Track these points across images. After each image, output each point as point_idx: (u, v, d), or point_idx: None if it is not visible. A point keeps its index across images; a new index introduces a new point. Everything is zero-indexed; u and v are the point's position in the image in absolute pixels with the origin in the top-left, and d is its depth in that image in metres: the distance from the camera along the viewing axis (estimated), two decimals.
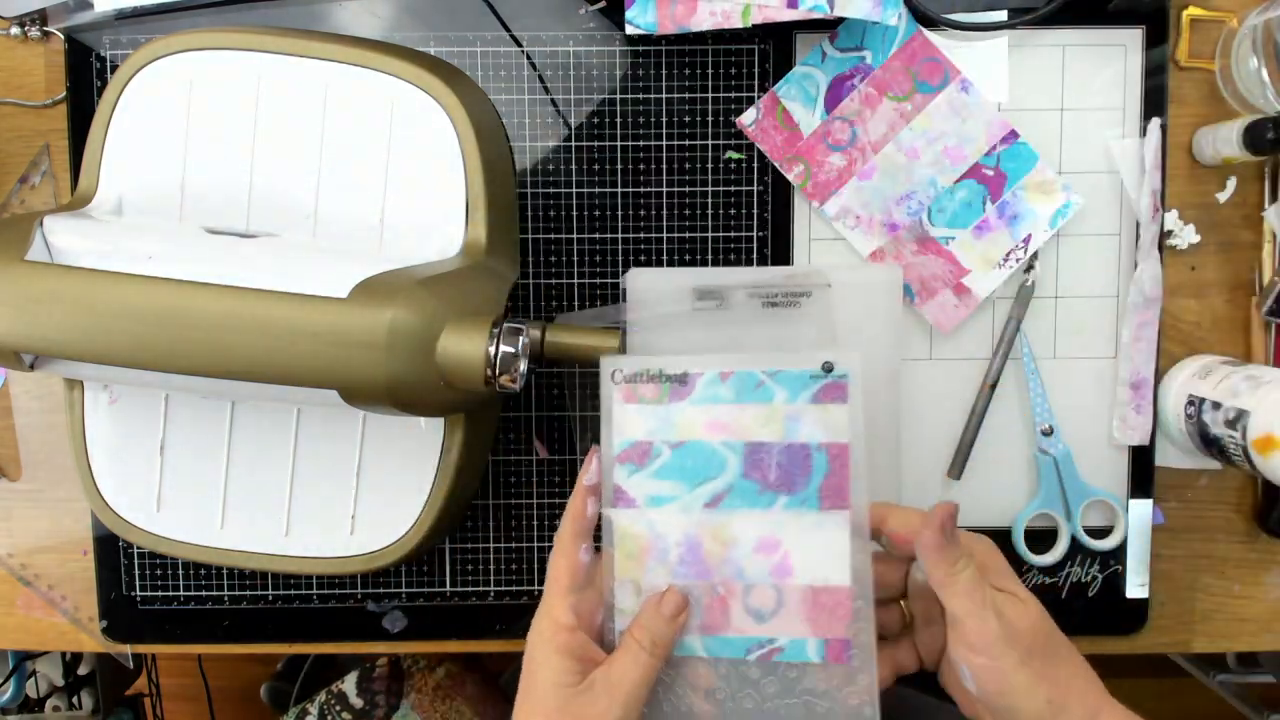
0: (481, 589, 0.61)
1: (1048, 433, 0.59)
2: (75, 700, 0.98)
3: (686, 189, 0.59)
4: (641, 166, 0.59)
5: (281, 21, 0.58)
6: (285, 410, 0.54)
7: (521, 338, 0.47)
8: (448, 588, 0.62)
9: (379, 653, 0.75)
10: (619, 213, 0.59)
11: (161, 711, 1.15)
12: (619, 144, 0.59)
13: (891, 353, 0.58)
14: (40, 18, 0.58)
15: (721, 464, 0.46)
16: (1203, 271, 0.60)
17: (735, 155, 0.59)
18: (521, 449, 0.61)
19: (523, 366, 0.47)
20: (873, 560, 0.45)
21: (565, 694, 0.43)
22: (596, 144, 0.59)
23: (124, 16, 0.58)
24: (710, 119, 0.59)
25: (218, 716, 1.26)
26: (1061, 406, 0.59)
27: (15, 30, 0.58)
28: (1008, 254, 0.58)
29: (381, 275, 0.46)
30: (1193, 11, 0.58)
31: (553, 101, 0.59)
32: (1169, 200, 0.59)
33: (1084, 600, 0.60)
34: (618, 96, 0.59)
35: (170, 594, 0.61)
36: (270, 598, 0.61)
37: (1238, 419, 0.53)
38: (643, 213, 0.59)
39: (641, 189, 0.59)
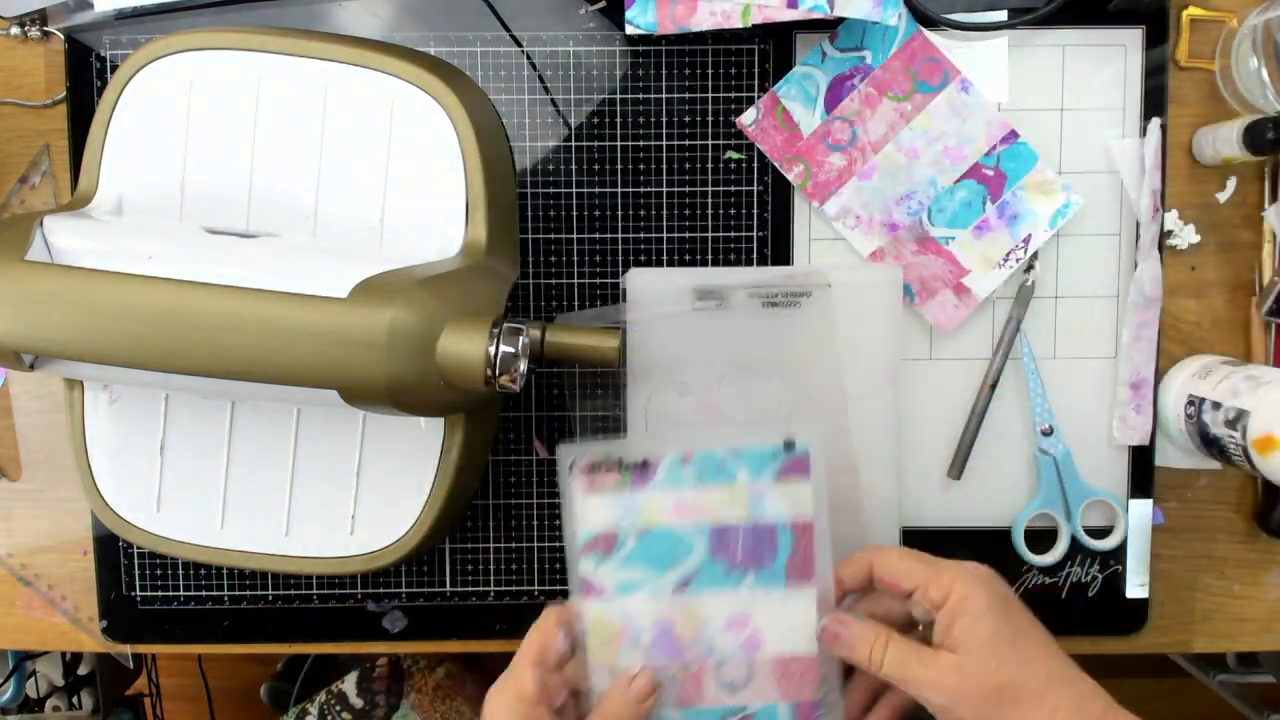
0: (481, 589, 0.61)
1: (1048, 433, 0.59)
2: (75, 700, 0.98)
3: (686, 189, 0.59)
4: (641, 166, 0.59)
5: (281, 21, 0.58)
6: (285, 410, 0.54)
7: (521, 338, 0.47)
8: (448, 588, 0.62)
9: (379, 653, 0.75)
10: (619, 213, 0.59)
11: (161, 711, 1.15)
12: (619, 144, 0.59)
13: (891, 353, 0.58)
14: (40, 18, 0.58)
15: (689, 548, 0.46)
16: (1203, 271, 0.60)
17: (735, 155, 0.59)
18: (521, 449, 0.61)
19: (523, 366, 0.47)
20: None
21: None
22: (596, 144, 0.59)
23: (124, 16, 0.58)
24: (710, 119, 0.59)
25: (218, 716, 1.26)
26: (1061, 406, 0.59)
27: (15, 30, 0.58)
28: (1008, 254, 0.58)
29: (381, 275, 0.46)
30: (1193, 11, 0.58)
31: (553, 101, 0.59)
32: (1169, 200, 0.59)
33: (1084, 600, 0.60)
34: (618, 96, 0.59)
35: (170, 594, 0.61)
36: (270, 598, 0.61)
37: (1238, 419, 0.53)
38: (643, 213, 0.59)
39: (641, 189, 0.59)
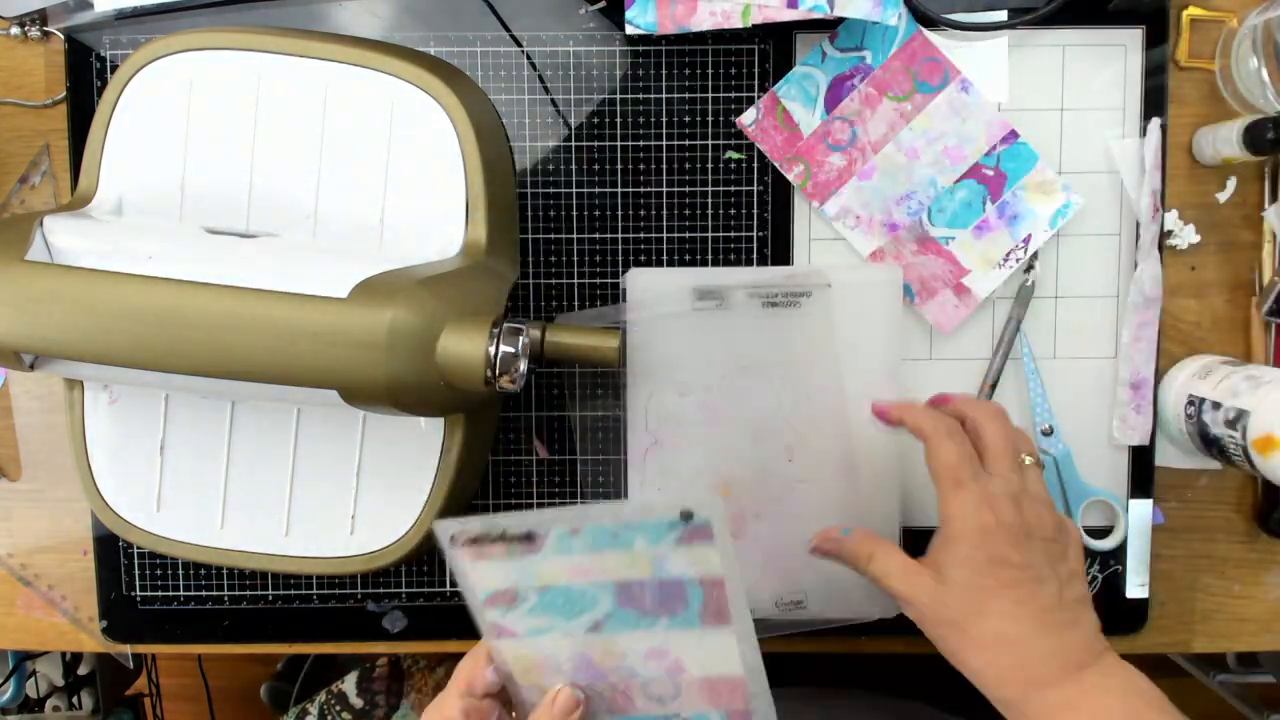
0: None
1: (1048, 433, 0.59)
2: (75, 700, 0.98)
3: (686, 189, 0.59)
4: (641, 166, 0.59)
5: (281, 21, 0.58)
6: (285, 410, 0.54)
7: (521, 338, 0.47)
8: (448, 588, 0.62)
9: (379, 653, 0.75)
10: (619, 213, 0.59)
11: (161, 711, 1.15)
12: (619, 144, 0.59)
13: (891, 353, 0.58)
14: (40, 18, 0.58)
15: (594, 599, 0.44)
16: (1203, 271, 0.60)
17: (735, 155, 0.59)
18: (521, 449, 0.61)
19: (523, 366, 0.47)
20: None
21: None
22: (596, 144, 0.59)
23: (124, 16, 0.58)
24: (710, 119, 0.59)
25: (218, 716, 1.26)
26: (1061, 406, 0.59)
27: (15, 30, 0.58)
28: (1008, 254, 0.58)
29: (381, 275, 0.46)
30: (1193, 11, 0.58)
31: (553, 101, 0.59)
32: (1169, 200, 0.59)
33: None
34: (618, 96, 0.59)
35: (170, 594, 0.61)
36: (270, 598, 0.61)
37: (1238, 419, 0.53)
38: (643, 213, 0.59)
39: (641, 189, 0.59)
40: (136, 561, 0.61)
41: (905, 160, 0.58)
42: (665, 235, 0.59)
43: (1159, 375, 0.59)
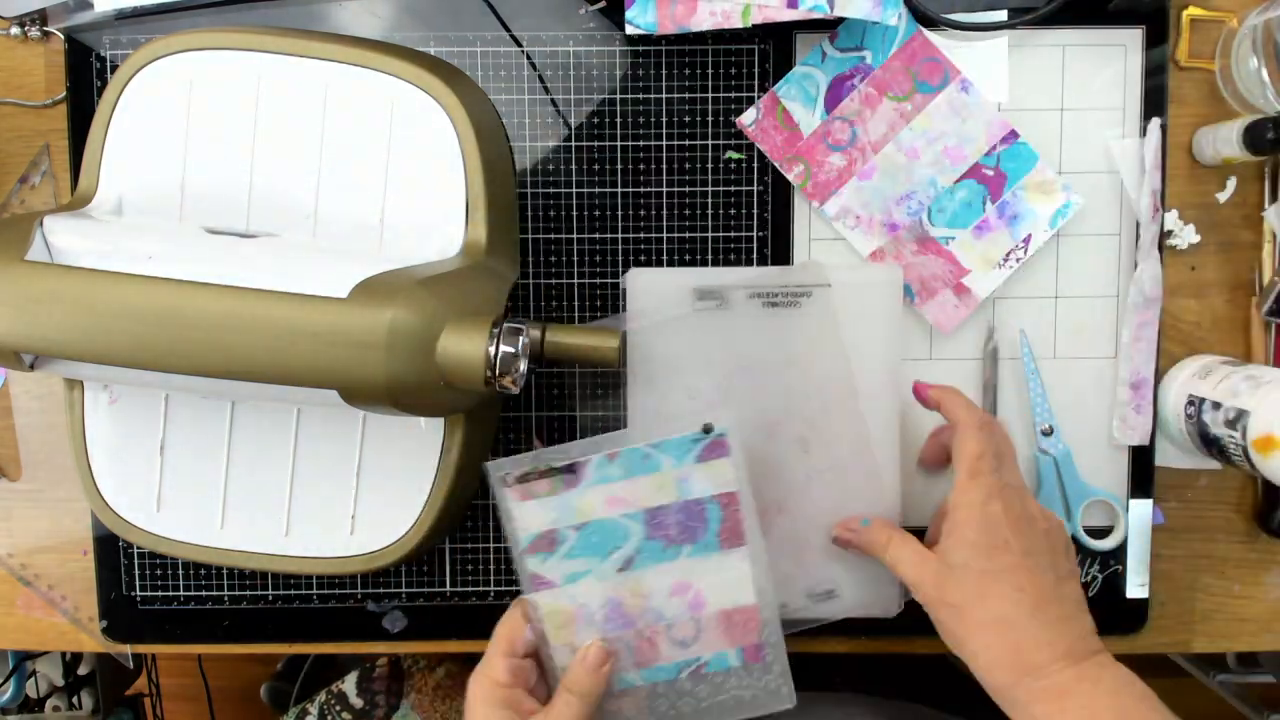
0: (481, 589, 0.61)
1: (1048, 433, 0.59)
2: (75, 700, 0.98)
3: (686, 189, 0.59)
4: (641, 166, 0.59)
5: (281, 21, 0.58)
6: (285, 410, 0.54)
7: (521, 338, 0.47)
8: (448, 588, 0.62)
9: (379, 653, 0.75)
10: (619, 213, 0.59)
11: (161, 711, 1.15)
12: (619, 144, 0.59)
13: (891, 353, 0.58)
14: (40, 18, 0.58)
15: (626, 533, 0.51)
16: (1203, 271, 0.60)
17: (735, 155, 0.59)
18: (521, 449, 0.61)
19: (523, 366, 0.47)
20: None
21: None
22: (596, 144, 0.59)
23: (124, 16, 0.58)
24: (710, 119, 0.59)
25: (218, 716, 1.26)
26: (1061, 406, 0.59)
27: (15, 30, 0.58)
28: (1008, 254, 0.58)
29: (381, 275, 0.46)
30: (1193, 11, 0.58)
31: (553, 101, 0.59)
32: (1169, 200, 0.59)
33: None
34: (618, 96, 0.59)
35: (170, 594, 0.61)
36: (270, 598, 0.61)
37: (1238, 419, 0.53)
38: (643, 213, 0.59)
39: (641, 189, 0.59)
40: (136, 561, 0.61)
41: (905, 160, 0.58)
42: (665, 235, 0.59)
43: (1159, 375, 0.59)
